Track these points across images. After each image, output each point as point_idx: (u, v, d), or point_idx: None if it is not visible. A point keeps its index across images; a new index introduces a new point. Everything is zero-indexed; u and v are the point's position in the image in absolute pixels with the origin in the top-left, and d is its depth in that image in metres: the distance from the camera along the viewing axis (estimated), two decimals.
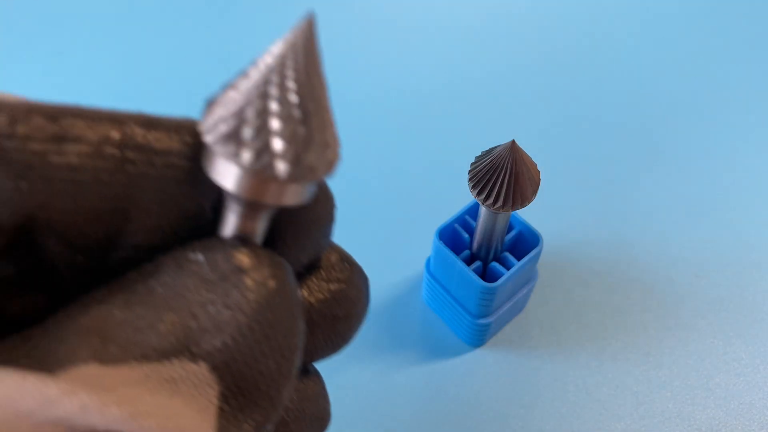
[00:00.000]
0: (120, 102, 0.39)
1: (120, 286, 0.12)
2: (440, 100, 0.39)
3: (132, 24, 0.43)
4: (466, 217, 0.28)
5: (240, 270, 0.12)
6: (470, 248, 0.28)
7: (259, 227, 0.13)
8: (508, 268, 0.27)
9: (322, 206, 0.15)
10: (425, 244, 0.30)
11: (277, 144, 0.11)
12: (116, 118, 0.12)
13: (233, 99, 0.12)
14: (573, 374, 0.30)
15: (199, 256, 0.12)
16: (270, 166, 0.12)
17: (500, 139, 0.25)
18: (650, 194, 0.35)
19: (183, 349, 0.12)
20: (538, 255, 0.28)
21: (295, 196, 0.12)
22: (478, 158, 0.24)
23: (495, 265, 0.28)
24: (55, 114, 0.12)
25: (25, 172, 0.12)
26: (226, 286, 0.12)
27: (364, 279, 0.16)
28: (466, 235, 0.28)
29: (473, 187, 0.24)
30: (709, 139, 0.37)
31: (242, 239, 0.13)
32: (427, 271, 0.30)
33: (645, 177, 0.36)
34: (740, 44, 0.42)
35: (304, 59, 0.12)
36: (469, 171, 0.24)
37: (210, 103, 0.12)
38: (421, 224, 0.32)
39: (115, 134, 0.12)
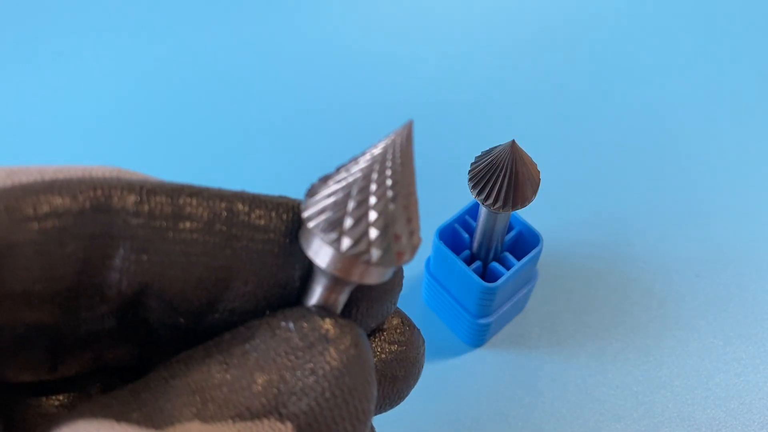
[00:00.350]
0: (118, 102, 0.38)
1: (217, 347, 0.14)
2: (440, 100, 0.39)
3: (132, 23, 0.42)
4: (466, 217, 0.28)
5: (325, 339, 0.14)
6: (470, 248, 0.28)
7: (342, 299, 0.15)
8: (508, 268, 0.27)
9: (394, 278, 0.16)
10: (425, 244, 0.30)
11: (373, 233, 0.13)
12: (224, 197, 0.14)
13: (335, 191, 0.13)
14: (573, 374, 0.30)
15: (290, 324, 0.14)
16: (364, 253, 0.13)
17: (500, 139, 0.25)
18: (651, 194, 0.35)
19: (273, 409, 0.13)
20: (538, 255, 0.28)
21: (379, 276, 0.14)
22: (478, 158, 0.24)
23: (495, 265, 0.28)
24: (173, 193, 0.14)
25: (146, 246, 0.13)
26: (312, 353, 0.13)
27: (422, 341, 0.18)
28: (466, 235, 0.28)
29: (473, 187, 0.24)
30: (710, 138, 0.37)
31: (326, 309, 0.14)
32: (426, 271, 0.30)
33: (645, 177, 0.36)
34: (742, 44, 0.42)
35: (401, 158, 0.14)
36: (469, 171, 0.24)
37: (311, 192, 0.14)
38: (420, 224, 0.32)
39: (224, 212, 0.14)
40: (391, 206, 0.13)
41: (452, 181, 0.34)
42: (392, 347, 0.17)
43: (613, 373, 0.30)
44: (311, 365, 0.13)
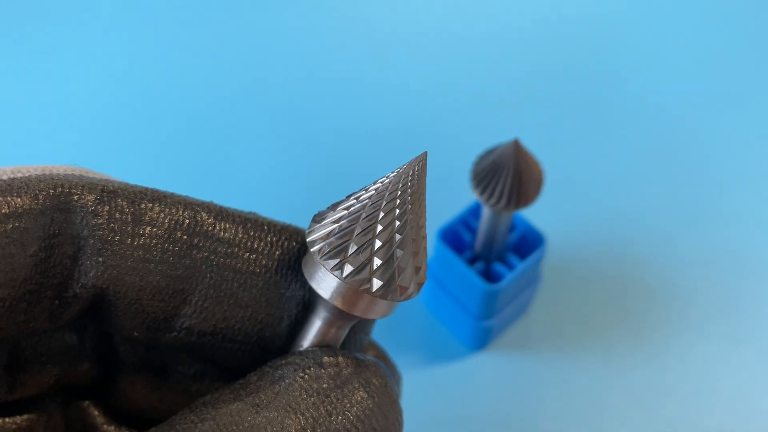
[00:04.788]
0: (114, 100, 0.38)
1: (245, 389, 0.14)
2: (441, 97, 0.38)
3: (127, 20, 0.42)
4: (469, 217, 0.28)
5: (355, 379, 0.14)
6: (472, 249, 0.28)
7: (342, 336, 0.15)
8: (511, 270, 0.27)
9: None
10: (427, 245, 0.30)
11: (376, 263, 0.13)
12: (189, 205, 0.14)
13: (342, 217, 0.13)
14: (577, 378, 0.29)
15: (319, 364, 0.14)
16: (366, 282, 0.13)
17: (503, 138, 0.25)
18: (657, 195, 0.35)
19: None
20: (541, 256, 0.28)
21: (381, 311, 0.14)
22: (481, 157, 0.24)
23: (498, 266, 0.28)
24: (135, 196, 0.14)
25: (104, 249, 0.13)
26: (344, 393, 0.13)
27: (398, 377, 0.18)
28: (468, 236, 0.28)
29: (475, 187, 0.24)
30: (719, 138, 0.37)
31: (330, 347, 0.14)
32: (428, 273, 0.30)
33: (651, 177, 0.35)
34: (752, 46, 0.41)
35: (412, 190, 0.13)
36: (472, 170, 0.24)
37: (318, 217, 0.14)
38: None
39: (186, 220, 0.14)
40: (398, 237, 0.13)
41: (454, 181, 0.34)
42: None
43: (619, 377, 0.29)
44: (343, 406, 0.13)
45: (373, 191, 0.13)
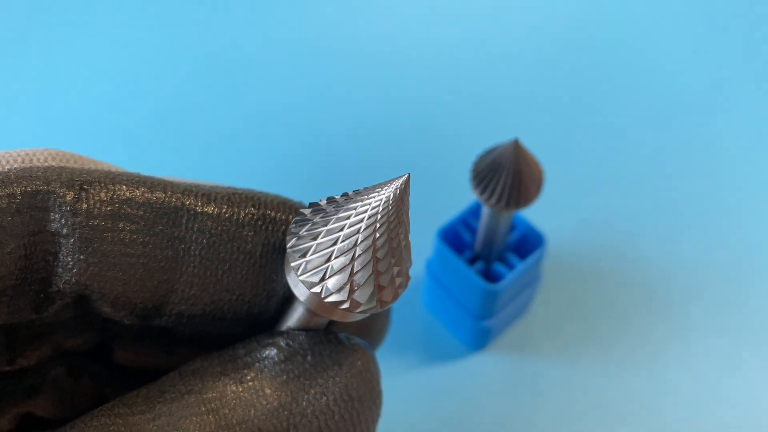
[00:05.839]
0: (114, 101, 0.38)
1: (232, 363, 0.14)
2: (441, 97, 0.38)
3: (127, 19, 0.42)
4: (468, 217, 0.28)
5: (338, 363, 0.14)
6: (472, 249, 0.28)
7: (326, 322, 0.15)
8: (511, 270, 0.27)
9: None
10: (426, 245, 0.30)
11: (355, 285, 0.13)
12: (172, 190, 0.14)
13: (322, 233, 0.13)
14: (578, 378, 0.29)
15: (304, 346, 0.14)
16: (344, 302, 0.13)
17: (503, 138, 0.25)
18: (657, 195, 0.35)
19: (284, 431, 0.13)
20: (541, 256, 0.27)
21: (358, 317, 0.14)
22: (481, 157, 0.24)
23: (498, 266, 0.28)
24: (115, 189, 0.13)
25: (84, 247, 0.13)
26: (325, 377, 0.14)
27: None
28: (468, 236, 0.28)
29: (475, 186, 0.24)
30: (719, 138, 0.37)
31: (336, 332, 0.15)
32: (428, 273, 0.30)
33: (652, 178, 0.35)
34: (753, 44, 0.41)
35: (395, 210, 0.13)
36: (471, 170, 0.24)
37: (298, 224, 0.14)
38: (422, 225, 0.32)
39: (168, 211, 0.13)
40: (377, 258, 0.13)
41: (454, 181, 0.34)
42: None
43: (619, 378, 0.29)
44: (323, 388, 0.14)
45: (354, 209, 0.13)
